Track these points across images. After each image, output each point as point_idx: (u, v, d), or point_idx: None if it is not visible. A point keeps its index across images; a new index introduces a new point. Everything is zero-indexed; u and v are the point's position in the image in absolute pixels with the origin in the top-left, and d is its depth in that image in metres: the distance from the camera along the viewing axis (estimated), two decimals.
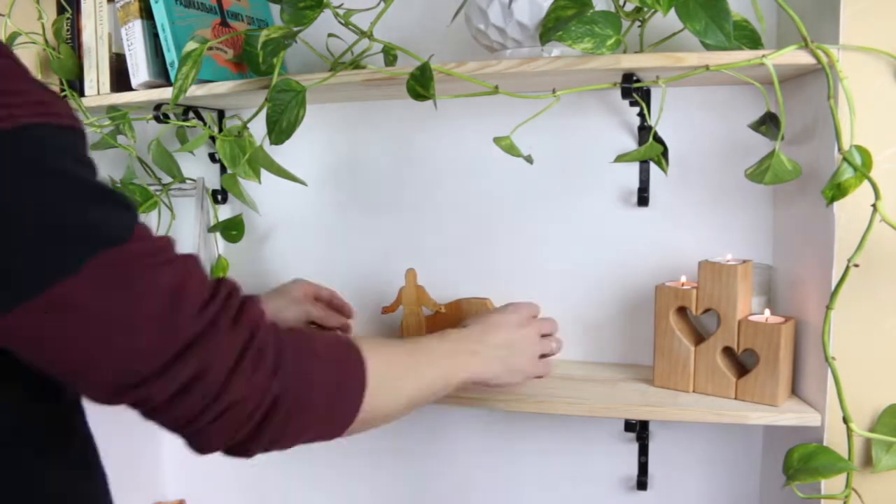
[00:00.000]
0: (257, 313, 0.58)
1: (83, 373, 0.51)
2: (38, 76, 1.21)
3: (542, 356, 0.93)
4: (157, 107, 1.16)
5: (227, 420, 0.55)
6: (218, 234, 1.31)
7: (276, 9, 1.20)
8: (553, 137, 1.13)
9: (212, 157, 1.31)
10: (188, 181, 1.28)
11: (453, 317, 1.14)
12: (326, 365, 0.62)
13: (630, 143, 1.10)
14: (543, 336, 0.94)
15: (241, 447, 0.58)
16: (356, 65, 1.01)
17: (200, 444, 0.57)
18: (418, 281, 1.14)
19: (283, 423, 0.58)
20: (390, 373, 0.68)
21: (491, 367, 0.85)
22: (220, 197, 1.33)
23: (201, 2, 1.11)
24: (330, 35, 1.08)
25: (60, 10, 1.21)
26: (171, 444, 1.34)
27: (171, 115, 1.17)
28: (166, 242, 0.54)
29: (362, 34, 0.98)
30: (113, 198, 0.51)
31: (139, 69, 1.12)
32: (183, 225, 1.31)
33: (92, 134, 1.23)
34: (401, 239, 1.24)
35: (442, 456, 1.27)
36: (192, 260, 0.56)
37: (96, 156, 1.53)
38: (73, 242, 0.48)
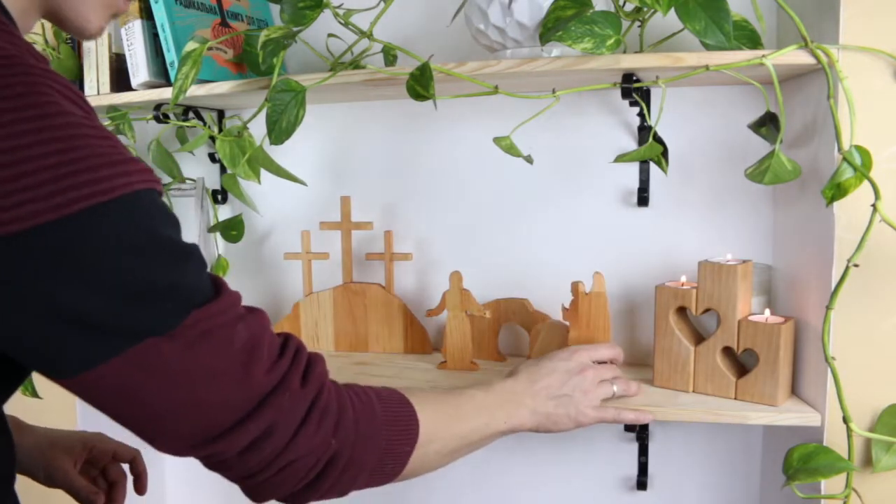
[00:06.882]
0: (323, 372, 0.60)
1: (161, 427, 0.53)
2: None
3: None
4: (157, 107, 1.16)
5: (287, 474, 0.57)
6: (218, 234, 1.31)
7: (276, 9, 1.20)
8: (553, 137, 1.13)
9: (212, 157, 1.31)
10: (188, 181, 1.28)
11: (494, 319, 1.14)
12: (383, 425, 0.64)
13: (630, 143, 1.10)
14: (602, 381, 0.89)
15: (295, 498, 0.60)
16: (356, 65, 1.01)
17: (258, 495, 0.59)
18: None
19: (337, 478, 0.60)
20: (438, 430, 0.70)
21: (536, 419, 0.84)
22: (220, 197, 1.33)
23: (201, 2, 1.11)
24: (330, 35, 1.08)
25: None
26: None
27: (171, 115, 1.17)
28: (237, 297, 0.56)
29: (362, 34, 0.98)
30: (197, 256, 0.54)
31: (139, 69, 1.12)
32: (183, 225, 1.29)
33: None
34: (399, 238, 1.24)
35: None
36: (262, 315, 0.57)
37: None
38: (167, 303, 0.50)
